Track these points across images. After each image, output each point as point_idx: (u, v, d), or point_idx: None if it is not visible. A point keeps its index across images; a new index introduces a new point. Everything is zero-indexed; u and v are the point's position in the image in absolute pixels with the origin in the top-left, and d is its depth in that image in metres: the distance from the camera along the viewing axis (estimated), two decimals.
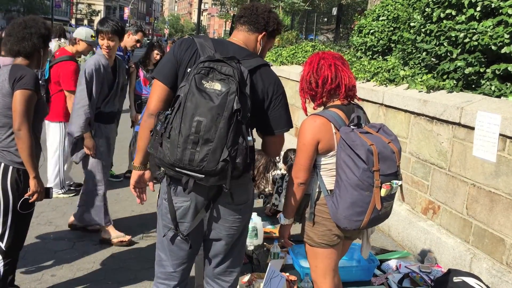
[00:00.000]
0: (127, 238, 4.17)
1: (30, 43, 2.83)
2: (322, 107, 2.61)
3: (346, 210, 2.39)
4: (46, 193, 2.93)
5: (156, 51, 6.14)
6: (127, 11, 62.39)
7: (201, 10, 28.63)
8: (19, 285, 3.22)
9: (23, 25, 2.86)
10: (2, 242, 2.83)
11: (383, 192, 2.35)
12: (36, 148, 2.91)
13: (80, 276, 3.62)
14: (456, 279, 3.29)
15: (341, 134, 2.38)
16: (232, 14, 25.50)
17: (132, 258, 3.94)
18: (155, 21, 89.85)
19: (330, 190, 2.49)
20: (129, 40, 5.90)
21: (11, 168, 2.78)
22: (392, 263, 4.06)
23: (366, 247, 2.77)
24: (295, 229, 2.84)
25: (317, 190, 2.54)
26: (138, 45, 6.03)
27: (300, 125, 2.55)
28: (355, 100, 2.64)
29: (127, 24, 62.38)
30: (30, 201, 2.82)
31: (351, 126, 2.43)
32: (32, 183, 2.80)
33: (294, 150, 4.83)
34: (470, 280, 3.26)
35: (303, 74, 2.61)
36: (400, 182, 2.44)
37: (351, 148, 2.32)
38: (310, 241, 2.61)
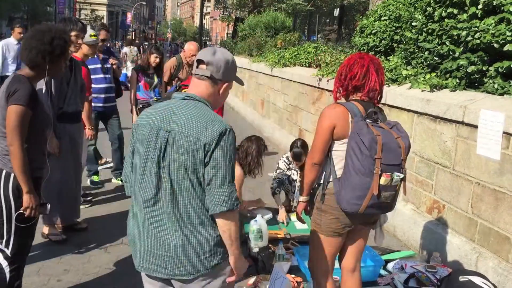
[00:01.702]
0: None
1: (30, 56, 2.83)
2: (343, 100, 2.84)
3: (348, 193, 2.59)
4: (43, 208, 2.92)
5: (154, 55, 6.13)
6: (129, 16, 62.57)
7: (204, 13, 28.70)
8: None
9: (31, 34, 2.88)
10: (8, 249, 2.84)
11: (382, 180, 2.53)
12: (39, 160, 2.92)
13: (86, 281, 3.63)
14: (462, 278, 3.27)
15: (353, 123, 2.60)
16: (234, 17, 25.54)
17: None
18: (158, 26, 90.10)
19: (339, 178, 2.68)
20: None
21: (12, 175, 2.79)
22: (398, 263, 4.05)
23: (380, 235, 2.96)
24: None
25: (329, 173, 2.74)
26: (104, 44, 5.88)
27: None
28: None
29: (130, 29, 62.54)
30: (25, 216, 2.80)
31: (367, 120, 2.62)
32: (25, 198, 2.78)
33: (300, 140, 5.13)
34: (476, 279, 3.24)
35: (340, 67, 2.87)
36: (401, 175, 2.59)
37: (358, 135, 2.53)
38: (318, 228, 2.82)
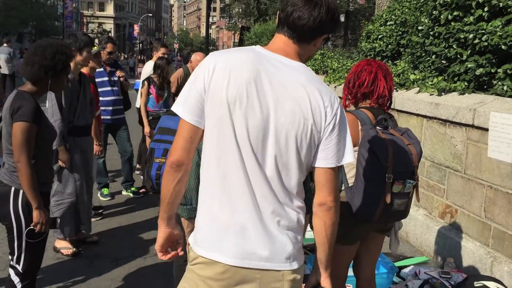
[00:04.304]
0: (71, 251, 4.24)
1: (32, 71, 2.83)
2: (353, 107, 2.81)
3: (359, 201, 2.53)
4: (52, 223, 2.93)
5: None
6: (136, 28, 63.10)
7: (210, 23, 28.84)
8: None
9: (33, 50, 2.89)
10: (19, 265, 2.84)
11: (395, 188, 2.49)
12: (46, 175, 2.92)
13: None
14: (477, 284, 3.23)
15: (363, 131, 2.55)
16: (240, 26, 25.66)
17: (150, 274, 3.94)
18: (165, 37, 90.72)
19: (351, 187, 2.63)
20: (101, 54, 5.62)
21: (21, 192, 2.79)
22: (411, 269, 4.00)
23: (395, 243, 2.89)
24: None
25: (341, 181, 2.68)
26: (111, 56, 5.81)
27: None
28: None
29: (137, 41, 62.97)
30: (35, 231, 2.81)
31: (377, 127, 2.58)
32: (34, 214, 2.78)
33: None
34: (491, 284, 3.20)
35: (348, 74, 2.84)
36: (414, 182, 2.54)
37: (368, 143, 2.49)
38: None
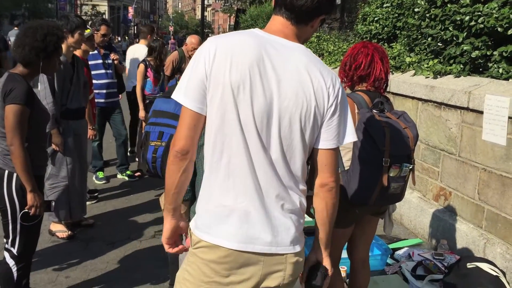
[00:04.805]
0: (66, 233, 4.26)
1: (23, 53, 2.81)
2: (349, 90, 2.78)
3: (356, 185, 2.53)
4: (47, 206, 2.92)
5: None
6: (131, 10, 62.39)
7: (205, 5, 28.58)
8: None
9: (23, 32, 2.86)
10: (14, 248, 2.85)
11: (391, 172, 2.48)
12: (40, 158, 2.91)
13: (94, 277, 3.64)
14: (469, 265, 3.26)
15: (360, 114, 2.53)
16: (236, 8, 25.41)
17: (145, 257, 3.96)
18: (160, 19, 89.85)
19: (347, 170, 2.63)
20: (95, 37, 5.55)
21: (15, 175, 2.79)
22: (405, 251, 4.04)
23: (389, 225, 2.92)
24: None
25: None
26: (105, 39, 5.74)
27: None
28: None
29: (131, 24, 62.36)
30: (30, 214, 2.80)
31: (374, 110, 2.56)
32: (29, 197, 2.77)
33: None
34: (484, 266, 3.23)
35: (344, 57, 2.81)
36: (410, 166, 2.55)
37: (365, 126, 2.47)
38: None
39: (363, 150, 2.49)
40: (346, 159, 2.65)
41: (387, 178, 2.48)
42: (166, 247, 1.83)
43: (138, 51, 6.89)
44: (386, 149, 2.45)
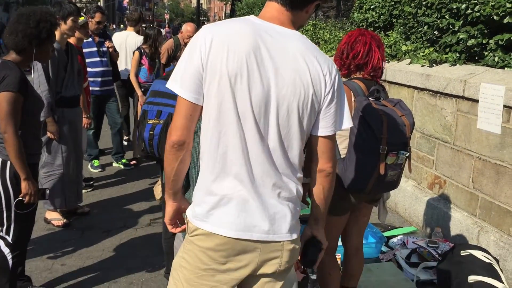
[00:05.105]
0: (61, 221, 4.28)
1: (15, 40, 2.78)
2: (344, 78, 2.75)
3: (353, 173, 2.53)
4: (42, 194, 2.91)
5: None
6: None
7: None
8: (29, 275, 3.26)
9: (16, 18, 2.82)
10: (9, 236, 2.85)
11: (388, 160, 2.48)
12: (34, 146, 2.89)
13: (90, 265, 3.65)
14: (463, 253, 3.29)
15: (356, 103, 2.52)
16: None
17: (141, 245, 3.96)
18: (155, 7, 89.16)
19: (343, 158, 2.63)
20: (90, 24, 5.51)
21: (8, 163, 2.77)
22: (400, 239, 4.06)
23: (383, 212, 2.93)
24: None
25: None
26: (100, 26, 5.68)
27: None
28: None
29: (126, 11, 61.82)
30: (24, 202, 2.80)
31: (370, 98, 2.56)
32: (23, 185, 2.77)
33: None
34: (477, 253, 3.26)
35: (340, 44, 2.77)
36: (407, 154, 2.55)
37: (362, 114, 2.46)
38: None
39: (360, 138, 2.49)
40: (343, 147, 2.64)
41: (384, 166, 2.48)
42: (169, 227, 1.90)
43: (126, 38, 6.75)
44: (383, 137, 2.45)
